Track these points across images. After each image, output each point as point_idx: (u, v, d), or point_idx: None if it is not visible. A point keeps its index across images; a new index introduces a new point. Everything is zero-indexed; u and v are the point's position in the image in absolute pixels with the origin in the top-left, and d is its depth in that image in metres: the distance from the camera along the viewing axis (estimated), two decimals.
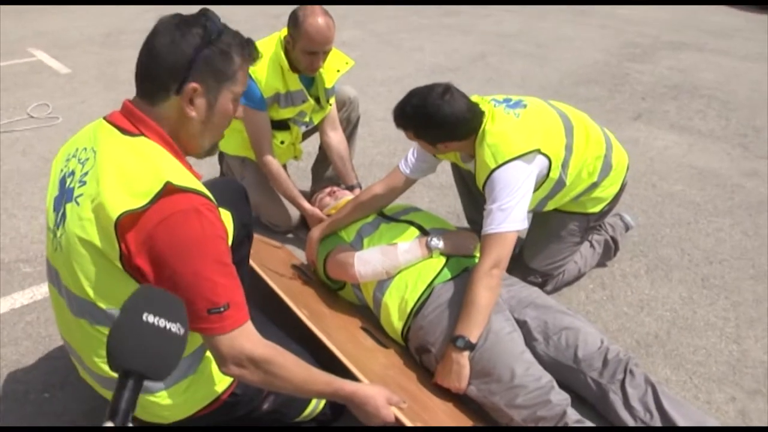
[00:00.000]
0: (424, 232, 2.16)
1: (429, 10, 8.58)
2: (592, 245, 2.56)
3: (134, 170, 1.21)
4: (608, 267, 2.66)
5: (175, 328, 0.82)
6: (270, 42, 2.57)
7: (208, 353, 1.46)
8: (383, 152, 3.84)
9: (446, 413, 1.80)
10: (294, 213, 2.85)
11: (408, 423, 1.51)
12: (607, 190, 2.31)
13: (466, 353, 1.80)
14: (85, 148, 1.31)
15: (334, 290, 2.32)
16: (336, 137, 2.90)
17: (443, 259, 2.06)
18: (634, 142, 4.03)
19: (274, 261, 2.35)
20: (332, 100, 2.84)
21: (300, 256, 2.67)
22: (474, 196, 2.63)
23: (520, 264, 2.41)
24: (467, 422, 1.80)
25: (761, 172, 3.66)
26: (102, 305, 1.27)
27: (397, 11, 8.43)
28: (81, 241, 1.23)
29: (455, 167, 2.64)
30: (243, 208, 1.92)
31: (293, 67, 2.56)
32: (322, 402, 1.73)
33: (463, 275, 2.02)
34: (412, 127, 2.05)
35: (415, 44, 6.69)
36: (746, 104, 4.86)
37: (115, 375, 1.16)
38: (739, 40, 7.13)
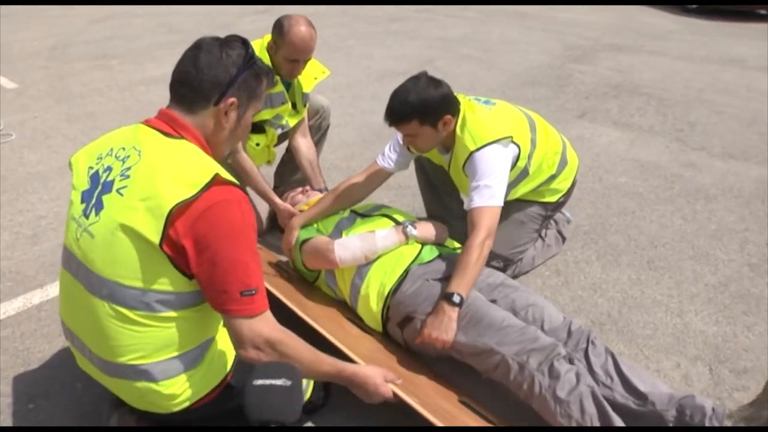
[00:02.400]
0: (398, 223, 2.28)
1: (375, 17, 8.75)
2: (542, 238, 2.75)
3: (184, 164, 1.38)
4: (562, 255, 2.84)
5: (281, 382, 1.04)
6: (254, 46, 2.66)
7: (212, 349, 1.56)
8: (340, 156, 3.96)
9: (434, 389, 1.93)
10: (263, 216, 2.93)
11: (405, 397, 1.65)
12: (562, 183, 2.56)
13: (457, 310, 1.93)
14: (124, 147, 1.45)
15: (309, 281, 2.41)
16: (306, 143, 3.02)
17: (418, 246, 2.19)
18: (580, 139, 4.25)
19: None
20: (306, 107, 2.96)
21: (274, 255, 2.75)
22: (436, 191, 2.79)
23: None
24: (453, 397, 1.93)
25: (697, 162, 3.93)
26: (134, 285, 1.38)
27: (343, 18, 8.58)
28: (122, 227, 1.35)
29: (418, 164, 2.79)
30: None
31: (275, 71, 2.66)
32: (309, 391, 1.83)
33: (436, 260, 2.16)
34: (417, 115, 2.15)
35: (363, 51, 6.84)
36: (681, 101, 5.18)
37: (121, 361, 1.42)
38: (673, 42, 7.54)
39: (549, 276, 2.71)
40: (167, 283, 1.38)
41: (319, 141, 3.20)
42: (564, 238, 2.84)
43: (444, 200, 2.79)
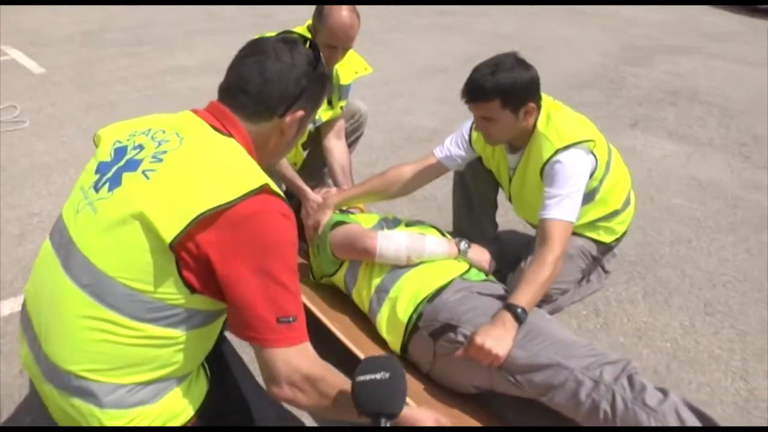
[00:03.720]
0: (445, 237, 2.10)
1: (425, 10, 8.39)
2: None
3: (231, 164, 1.21)
4: (603, 291, 2.46)
5: (380, 375, 1.07)
6: (297, 30, 2.46)
7: (181, 387, 1.31)
8: (363, 161, 3.62)
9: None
10: None
11: None
12: (620, 225, 2.28)
13: (517, 326, 1.68)
14: (164, 131, 1.27)
15: (326, 275, 2.14)
16: (340, 146, 2.76)
17: (467, 265, 2.01)
18: (630, 151, 3.83)
19: None
20: (343, 104, 2.69)
21: None
22: (472, 207, 2.50)
23: (518, 276, 2.19)
24: None
25: (762, 184, 3.47)
26: (123, 282, 1.16)
27: (393, 10, 8.24)
28: (135, 214, 1.15)
29: (459, 176, 2.50)
30: None
31: None
32: None
33: (484, 282, 1.95)
34: (500, 95, 1.91)
35: (407, 45, 6.50)
36: (746, 111, 4.68)
37: (70, 369, 1.21)
38: (738, 44, 6.96)
39: (586, 316, 2.34)
40: (164, 291, 1.17)
41: (350, 147, 2.92)
42: (606, 272, 2.45)
43: (479, 218, 2.50)
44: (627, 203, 2.27)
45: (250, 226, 1.15)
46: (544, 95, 2.06)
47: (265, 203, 1.17)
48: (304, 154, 2.82)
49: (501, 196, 2.48)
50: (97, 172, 1.27)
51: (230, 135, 1.27)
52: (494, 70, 1.91)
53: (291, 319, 1.19)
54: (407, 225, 2.18)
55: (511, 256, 2.29)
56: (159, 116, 1.37)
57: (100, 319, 1.18)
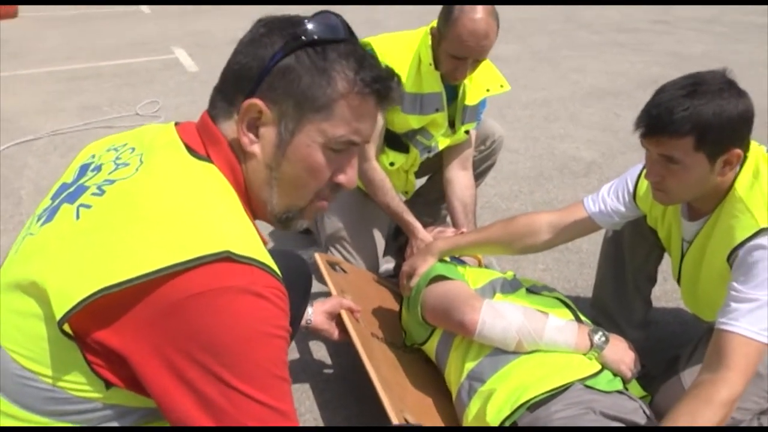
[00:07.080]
0: (578, 319, 1.58)
1: (601, 24, 7.65)
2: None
3: (185, 212, 0.82)
4: None
5: None
6: (417, 33, 2.07)
7: None
8: (502, 193, 3.08)
9: None
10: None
11: None
12: None
13: None
14: (134, 148, 0.95)
15: (416, 343, 1.73)
16: (464, 179, 2.28)
17: (597, 366, 1.48)
18: None
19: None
20: (470, 129, 2.21)
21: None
22: (622, 277, 1.89)
23: (675, 389, 1.56)
24: None
25: None
26: (10, 351, 0.83)
27: (565, 25, 7.61)
28: (36, 267, 0.83)
29: (614, 233, 1.89)
30: (297, 300, 1.49)
31: (436, 65, 2.00)
32: None
33: (616, 395, 1.42)
34: (698, 131, 1.32)
35: (576, 63, 5.83)
36: None
37: None
38: None
39: None
40: (69, 379, 0.82)
41: (477, 179, 2.42)
42: None
43: (628, 294, 1.89)
44: None
45: (200, 309, 0.76)
46: (753, 142, 1.43)
47: (223, 275, 0.77)
48: (417, 183, 2.36)
49: (665, 263, 1.85)
50: (54, 195, 0.96)
51: (209, 158, 0.90)
52: (692, 91, 1.31)
53: None
54: (529, 291, 1.68)
55: (665, 350, 1.65)
56: (149, 128, 1.02)
57: None
